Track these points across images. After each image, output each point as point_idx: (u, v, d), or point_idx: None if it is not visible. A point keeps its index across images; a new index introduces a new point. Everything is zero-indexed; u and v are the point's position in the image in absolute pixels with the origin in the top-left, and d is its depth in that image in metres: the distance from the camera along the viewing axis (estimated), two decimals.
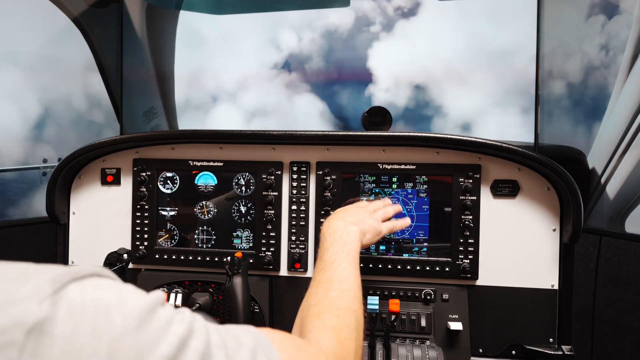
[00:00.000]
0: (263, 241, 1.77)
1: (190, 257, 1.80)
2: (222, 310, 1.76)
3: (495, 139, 1.64)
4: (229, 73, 4.16)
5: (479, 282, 1.68)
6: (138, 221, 1.83)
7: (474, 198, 1.67)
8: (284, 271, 1.78)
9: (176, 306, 1.72)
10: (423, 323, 1.62)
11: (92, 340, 0.52)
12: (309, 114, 4.16)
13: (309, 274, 1.77)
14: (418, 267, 1.69)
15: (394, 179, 1.72)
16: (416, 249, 1.71)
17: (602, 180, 2.31)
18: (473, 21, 3.83)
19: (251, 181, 1.79)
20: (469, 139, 1.64)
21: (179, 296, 1.76)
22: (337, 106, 4.20)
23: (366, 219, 1.31)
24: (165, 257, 1.81)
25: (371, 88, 4.15)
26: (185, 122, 3.48)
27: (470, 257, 1.66)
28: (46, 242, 2.35)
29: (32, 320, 0.50)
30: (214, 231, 1.82)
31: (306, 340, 0.90)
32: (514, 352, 1.67)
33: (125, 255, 1.55)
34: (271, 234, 1.77)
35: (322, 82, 4.24)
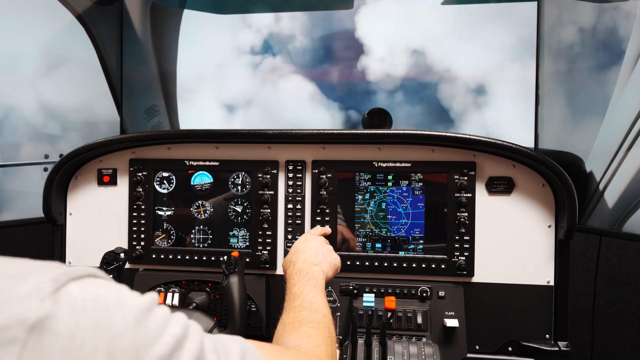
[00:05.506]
0: (259, 240, 1.77)
1: (187, 257, 1.80)
2: (219, 310, 1.76)
3: (517, 99, 1.55)
4: (196, 61, 3.63)
5: (474, 279, 1.68)
6: (135, 221, 1.84)
7: (469, 195, 1.67)
8: (280, 270, 1.78)
9: (173, 306, 1.73)
10: (419, 320, 1.62)
11: (93, 336, 0.54)
12: (297, 99, 3.72)
13: None
14: (414, 265, 1.69)
15: (390, 177, 1.73)
16: (412, 246, 1.71)
17: (601, 187, 2.30)
18: None
19: (247, 180, 1.80)
20: (463, 136, 1.64)
21: (176, 296, 1.76)
22: (329, 86, 3.73)
23: (326, 258, 1.39)
24: (162, 256, 1.82)
25: (364, 60, 3.69)
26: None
27: (465, 254, 1.66)
28: (46, 242, 2.36)
29: (34, 317, 0.51)
30: (210, 230, 1.82)
31: (286, 348, 0.97)
32: (510, 348, 1.67)
33: (122, 255, 1.56)
34: (267, 232, 1.77)
35: (309, 61, 3.77)
